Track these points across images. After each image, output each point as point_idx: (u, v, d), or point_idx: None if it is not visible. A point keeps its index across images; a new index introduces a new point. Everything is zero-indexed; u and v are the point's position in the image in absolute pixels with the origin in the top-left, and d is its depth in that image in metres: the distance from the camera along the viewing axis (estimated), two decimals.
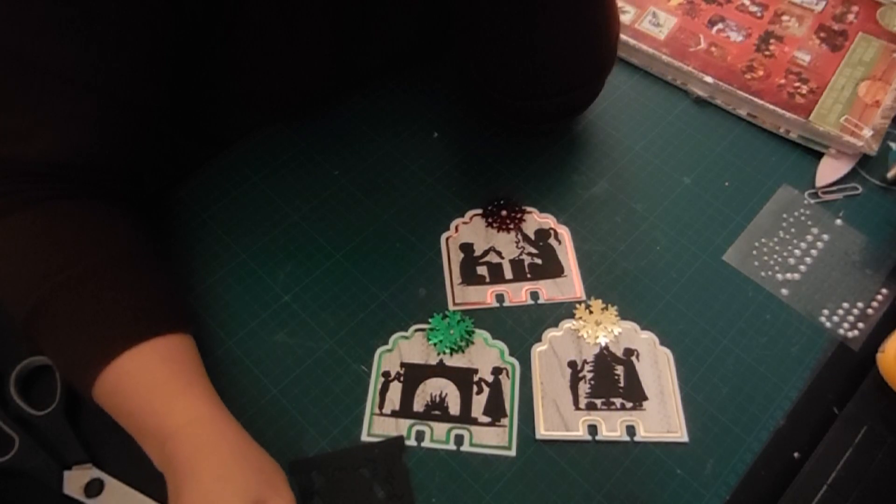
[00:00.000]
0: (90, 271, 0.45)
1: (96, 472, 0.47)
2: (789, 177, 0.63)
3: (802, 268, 0.58)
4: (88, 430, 0.48)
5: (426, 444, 0.49)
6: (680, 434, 0.49)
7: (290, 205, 0.61)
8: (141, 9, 0.44)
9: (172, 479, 0.40)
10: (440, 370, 0.52)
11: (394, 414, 0.50)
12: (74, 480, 0.46)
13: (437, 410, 0.50)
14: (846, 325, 0.55)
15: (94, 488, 0.46)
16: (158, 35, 0.46)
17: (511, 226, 0.59)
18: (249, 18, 0.50)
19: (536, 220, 0.60)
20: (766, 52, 0.70)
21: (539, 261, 0.58)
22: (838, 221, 0.61)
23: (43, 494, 0.46)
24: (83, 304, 0.44)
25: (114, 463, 0.47)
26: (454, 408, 0.50)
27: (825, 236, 0.60)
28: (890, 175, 0.63)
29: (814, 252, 0.59)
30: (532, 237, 0.59)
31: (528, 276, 0.57)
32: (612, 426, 0.50)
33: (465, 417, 0.50)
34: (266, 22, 0.51)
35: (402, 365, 0.52)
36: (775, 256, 0.58)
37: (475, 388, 0.51)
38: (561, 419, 0.50)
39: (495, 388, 0.51)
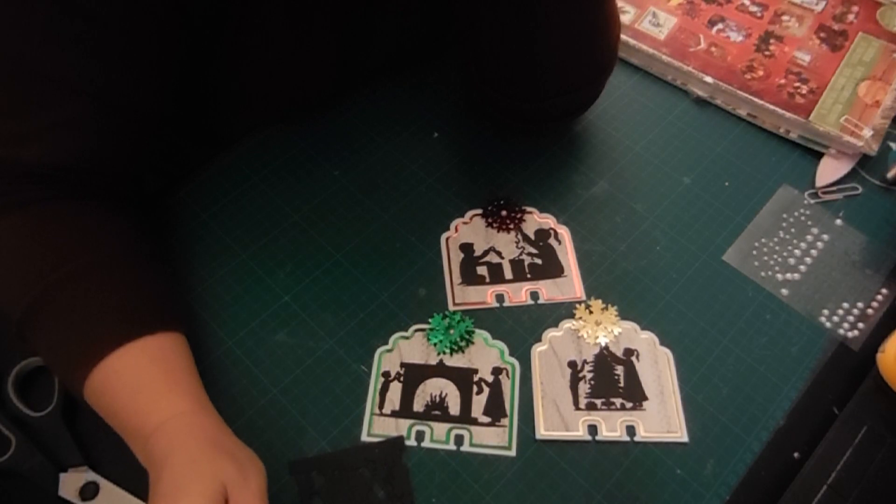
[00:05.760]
0: (82, 271, 0.45)
1: (92, 475, 0.46)
2: (789, 177, 0.63)
3: (802, 268, 0.58)
4: (85, 432, 0.48)
5: (426, 444, 0.49)
6: (680, 434, 0.49)
7: (290, 205, 0.61)
8: (147, 19, 0.44)
9: (152, 473, 0.41)
10: (440, 370, 0.52)
11: (394, 414, 0.50)
12: (70, 483, 0.46)
13: (437, 410, 0.50)
14: (846, 325, 0.55)
15: (88, 491, 0.46)
16: (164, 44, 0.46)
17: (511, 226, 0.59)
18: (254, 22, 0.50)
19: (536, 220, 0.60)
20: (766, 52, 0.70)
21: (539, 261, 0.58)
22: (838, 221, 0.61)
23: (38, 496, 0.46)
24: (74, 304, 0.44)
25: (109, 466, 0.47)
26: (454, 408, 0.50)
27: (825, 236, 0.60)
28: (890, 175, 0.63)
29: (814, 252, 0.59)
30: (532, 237, 0.59)
31: (528, 276, 0.57)
32: (612, 426, 0.50)
33: (465, 417, 0.50)
34: (271, 25, 0.51)
35: (402, 365, 0.52)
36: (775, 256, 0.58)
37: (475, 388, 0.51)
38: (561, 419, 0.50)
39: (495, 388, 0.51)
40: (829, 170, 0.63)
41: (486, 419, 0.50)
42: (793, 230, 0.60)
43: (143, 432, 0.41)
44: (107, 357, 0.42)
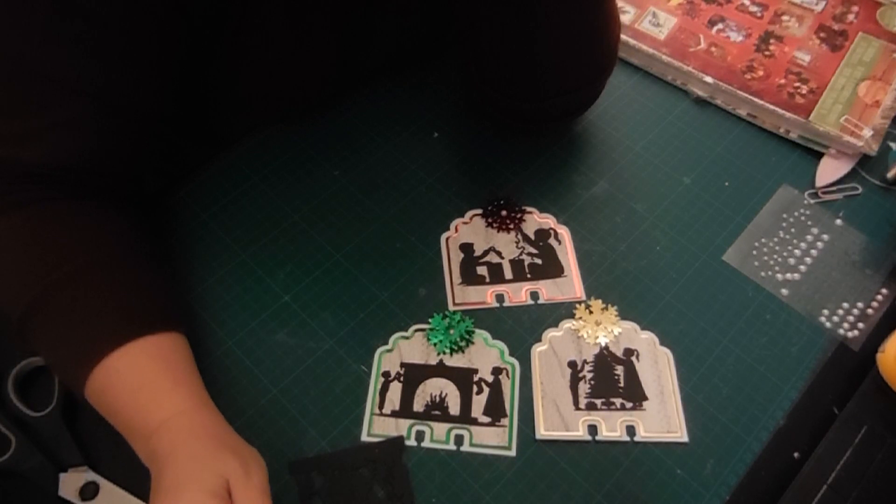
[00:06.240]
0: (82, 271, 0.45)
1: (91, 475, 0.47)
2: (789, 177, 0.63)
3: (802, 268, 0.58)
4: (85, 432, 0.48)
5: (426, 444, 0.49)
6: (680, 434, 0.49)
7: (290, 205, 0.61)
8: (147, 19, 0.44)
9: (154, 470, 0.41)
10: (440, 370, 0.52)
11: (394, 414, 0.50)
12: (70, 483, 0.46)
13: (437, 410, 0.50)
14: (846, 325, 0.55)
15: (88, 491, 0.46)
16: (164, 44, 0.46)
17: (511, 226, 0.59)
18: (254, 22, 0.50)
19: (536, 220, 0.60)
20: (766, 52, 0.70)
21: (539, 261, 0.58)
22: (838, 221, 0.61)
23: (38, 496, 0.46)
24: (74, 304, 0.44)
25: (109, 466, 0.47)
26: (454, 408, 0.50)
27: (825, 236, 0.60)
28: (890, 175, 0.63)
29: (814, 252, 0.59)
30: (532, 237, 0.59)
31: (528, 276, 0.57)
32: (612, 426, 0.49)
33: (465, 417, 0.50)
34: (271, 25, 0.51)
35: (402, 365, 0.52)
36: (775, 256, 0.58)
37: (475, 388, 0.51)
38: (561, 419, 0.50)
39: (495, 388, 0.51)
40: (829, 170, 0.63)
41: (486, 419, 0.50)
42: (793, 230, 0.60)
43: (144, 431, 0.42)
44: (107, 356, 0.42)
